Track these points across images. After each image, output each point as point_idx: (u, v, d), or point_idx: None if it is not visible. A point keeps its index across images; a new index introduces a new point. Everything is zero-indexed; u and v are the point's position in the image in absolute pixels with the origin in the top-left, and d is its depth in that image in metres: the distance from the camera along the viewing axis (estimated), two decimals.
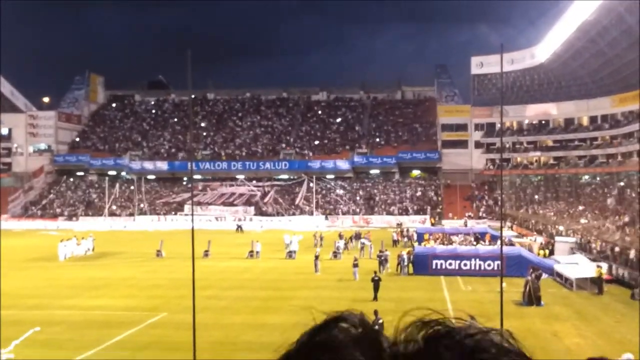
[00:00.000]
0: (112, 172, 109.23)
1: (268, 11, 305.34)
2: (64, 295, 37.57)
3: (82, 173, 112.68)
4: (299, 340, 1.21)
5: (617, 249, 45.43)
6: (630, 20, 67.84)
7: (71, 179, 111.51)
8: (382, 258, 46.84)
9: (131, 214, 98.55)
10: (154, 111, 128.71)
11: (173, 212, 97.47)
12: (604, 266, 40.71)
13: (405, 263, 45.33)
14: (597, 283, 37.94)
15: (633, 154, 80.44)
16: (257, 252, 55.16)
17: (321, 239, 62.80)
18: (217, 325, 28.82)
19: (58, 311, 32.76)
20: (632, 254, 41.84)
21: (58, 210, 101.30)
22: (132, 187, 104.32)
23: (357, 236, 63.74)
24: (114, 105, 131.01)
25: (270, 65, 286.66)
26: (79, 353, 24.88)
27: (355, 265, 42.38)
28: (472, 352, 1.12)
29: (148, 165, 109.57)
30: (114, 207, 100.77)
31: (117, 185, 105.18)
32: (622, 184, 76.93)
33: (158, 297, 36.50)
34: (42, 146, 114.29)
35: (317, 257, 46.13)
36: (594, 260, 44.57)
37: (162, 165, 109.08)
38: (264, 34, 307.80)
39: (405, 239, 66.35)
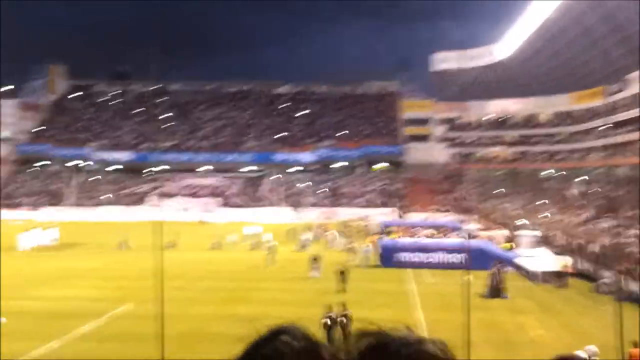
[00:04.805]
0: (74, 162, 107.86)
1: (231, 3, 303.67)
2: (28, 285, 37.11)
3: (44, 163, 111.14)
4: (242, 353, 1.27)
5: (579, 242, 46.06)
6: (588, 20, 68.75)
7: (33, 169, 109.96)
8: (350, 250, 47.15)
9: (95, 205, 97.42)
10: (116, 101, 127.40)
11: (137, 203, 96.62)
12: (568, 260, 41.21)
13: (365, 254, 45.58)
14: (560, 276, 38.42)
15: (591, 150, 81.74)
16: (232, 243, 55.75)
17: (291, 232, 62.71)
18: (183, 316, 28.66)
19: (22, 301, 32.33)
20: (594, 247, 42.44)
21: (20, 200, 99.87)
22: (95, 177, 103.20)
23: (322, 228, 63.72)
24: (76, 94, 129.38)
25: (233, 59, 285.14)
26: (44, 343, 24.60)
27: (315, 261, 40.90)
28: None
29: (110, 155, 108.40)
30: (77, 197, 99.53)
31: (80, 175, 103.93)
32: (582, 178, 78.04)
33: (124, 287, 36.24)
34: (3, 135, 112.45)
35: (270, 250, 46.02)
36: (557, 253, 45.09)
37: (125, 156, 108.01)
38: (227, 25, 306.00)
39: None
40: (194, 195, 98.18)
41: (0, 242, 51.23)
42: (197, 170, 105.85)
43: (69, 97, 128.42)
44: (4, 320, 25.66)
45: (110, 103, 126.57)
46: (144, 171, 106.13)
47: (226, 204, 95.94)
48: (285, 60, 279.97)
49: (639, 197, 55.07)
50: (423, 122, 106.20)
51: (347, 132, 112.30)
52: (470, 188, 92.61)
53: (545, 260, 41.85)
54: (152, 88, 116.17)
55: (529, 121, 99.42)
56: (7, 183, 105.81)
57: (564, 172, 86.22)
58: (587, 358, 19.42)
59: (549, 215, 65.21)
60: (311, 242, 56.69)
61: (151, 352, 21.31)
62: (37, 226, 60.90)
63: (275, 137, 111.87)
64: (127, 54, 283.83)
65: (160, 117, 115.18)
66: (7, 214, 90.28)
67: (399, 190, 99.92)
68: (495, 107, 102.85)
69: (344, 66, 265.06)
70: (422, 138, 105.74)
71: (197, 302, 32.75)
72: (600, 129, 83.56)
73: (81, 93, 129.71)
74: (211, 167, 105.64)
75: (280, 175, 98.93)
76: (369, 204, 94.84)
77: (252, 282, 38.55)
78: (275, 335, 1.25)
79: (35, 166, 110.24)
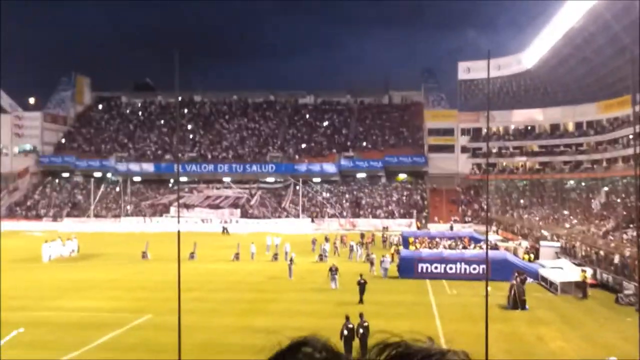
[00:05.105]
0: (97, 174, 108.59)
1: (255, 12, 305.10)
2: (48, 296, 37.42)
3: (67, 174, 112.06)
4: None
5: (601, 253, 45.67)
6: (616, 27, 68.19)
7: (56, 180, 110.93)
8: (370, 261, 47.13)
9: (117, 216, 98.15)
10: (140, 113, 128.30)
11: (159, 214, 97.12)
12: (589, 271, 40.88)
13: (385, 265, 45.43)
14: (581, 287, 38.10)
15: (618, 160, 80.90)
16: (252, 254, 55.64)
17: (313, 242, 62.38)
18: (203, 328, 28.72)
19: (43, 312, 32.63)
20: (616, 258, 42.07)
21: (43, 211, 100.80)
22: (117, 189, 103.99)
23: (342, 239, 63.89)
24: (100, 106, 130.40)
25: (257, 67, 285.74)
26: (64, 354, 24.77)
27: (333, 272, 40.33)
28: None
29: (134, 167, 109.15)
30: (99, 209, 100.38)
31: (103, 186, 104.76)
32: (606, 189, 77.32)
33: (143, 299, 36.38)
34: (28, 147, 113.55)
35: (291, 261, 45.85)
36: (578, 264, 44.79)
37: (148, 167, 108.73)
38: (250, 35, 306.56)
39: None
40: (216, 206, 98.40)
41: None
42: (220, 181, 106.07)
43: (94, 108, 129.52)
44: (21, 330, 25.83)
45: (133, 115, 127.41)
46: (169, 181, 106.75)
47: (248, 215, 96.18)
48: (310, 69, 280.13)
49: None
50: (447, 132, 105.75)
51: (371, 142, 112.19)
52: (493, 199, 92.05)
53: (565, 272, 41.59)
54: (175, 99, 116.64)
55: (554, 131, 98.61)
56: (31, 195, 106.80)
57: (589, 183, 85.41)
58: None
59: (570, 226, 64.72)
60: (330, 252, 56.74)
61: None
62: (58, 237, 61.22)
63: (298, 147, 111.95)
64: (150, 65, 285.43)
65: (183, 128, 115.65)
66: (30, 225, 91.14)
67: (420, 201, 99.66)
68: (521, 117, 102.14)
69: (368, 76, 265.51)
70: (446, 148, 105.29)
71: (217, 313, 32.79)
72: (626, 138, 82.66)
73: (105, 104, 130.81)
74: (234, 179, 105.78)
75: (303, 186, 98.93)
76: (390, 215, 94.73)
77: (272, 293, 38.58)
78: (297, 347, 1.25)
79: (60, 177, 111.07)
